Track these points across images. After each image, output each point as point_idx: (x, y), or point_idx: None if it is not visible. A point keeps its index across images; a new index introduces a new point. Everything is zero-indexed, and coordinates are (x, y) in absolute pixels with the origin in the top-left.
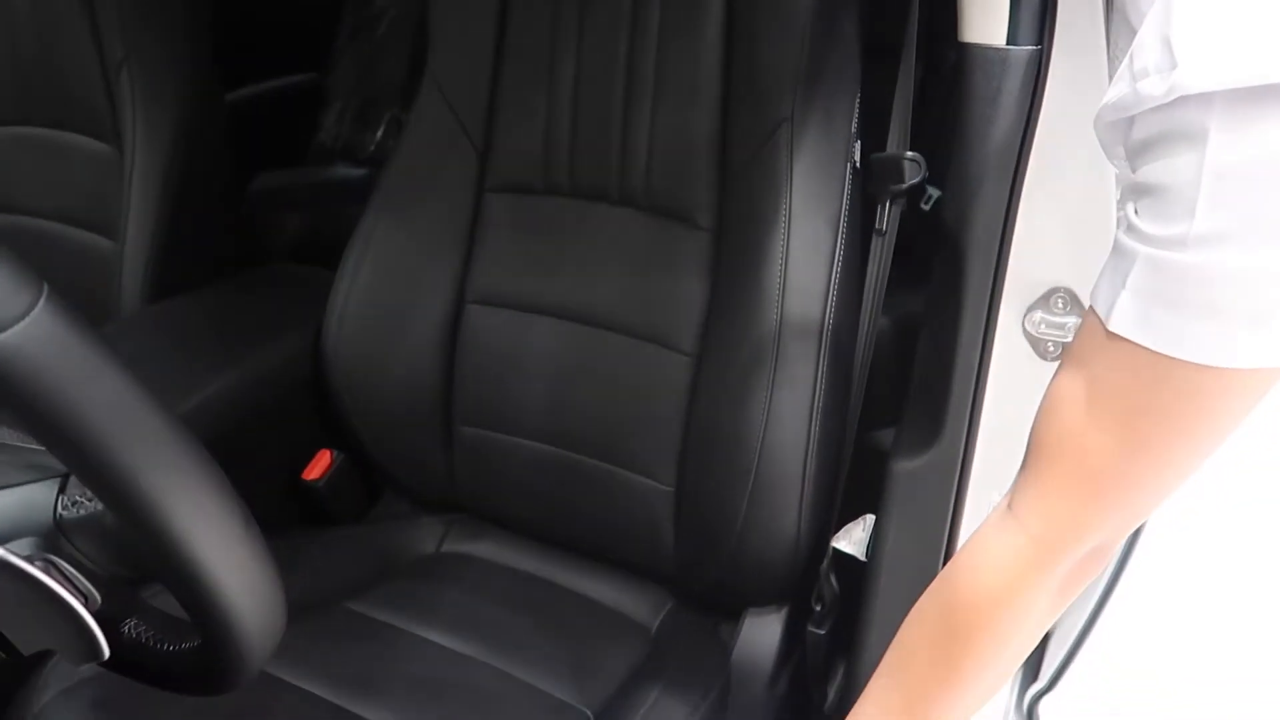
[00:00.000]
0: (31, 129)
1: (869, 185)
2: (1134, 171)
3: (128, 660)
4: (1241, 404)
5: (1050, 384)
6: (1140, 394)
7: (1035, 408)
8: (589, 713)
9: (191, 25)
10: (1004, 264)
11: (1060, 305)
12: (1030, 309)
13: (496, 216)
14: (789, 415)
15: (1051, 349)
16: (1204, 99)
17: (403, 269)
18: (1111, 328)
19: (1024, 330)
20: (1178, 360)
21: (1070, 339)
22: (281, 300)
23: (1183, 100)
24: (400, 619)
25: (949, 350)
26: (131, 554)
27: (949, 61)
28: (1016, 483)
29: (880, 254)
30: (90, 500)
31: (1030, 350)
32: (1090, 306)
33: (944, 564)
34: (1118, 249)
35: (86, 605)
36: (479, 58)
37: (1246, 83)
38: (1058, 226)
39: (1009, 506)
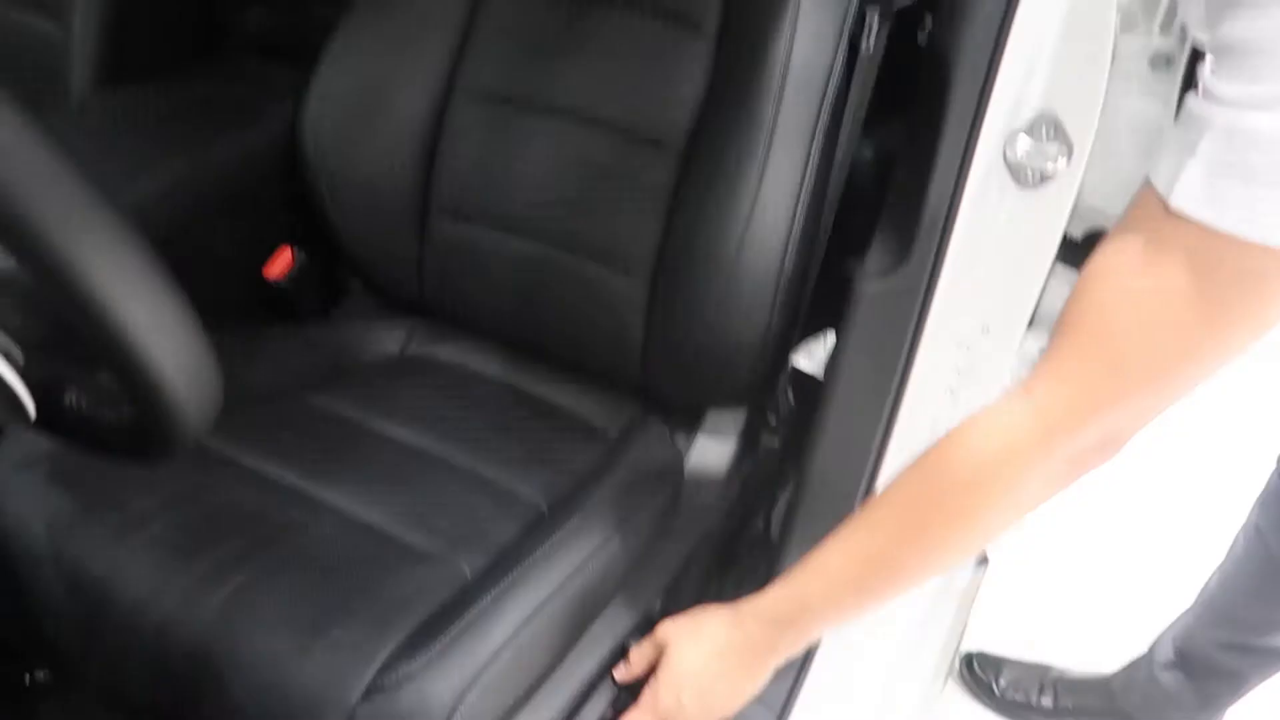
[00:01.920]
0: None
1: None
2: (1213, 30)
3: (69, 428)
4: None
5: (1090, 259)
6: (1194, 276)
7: (1008, 237)
8: (542, 504)
9: None
10: (990, 86)
11: (1046, 133)
12: (1014, 135)
13: (494, 7)
14: (772, 213)
15: (1031, 176)
16: None
17: (393, 52)
18: (1174, 205)
19: (1004, 157)
20: (1246, 242)
21: (1052, 165)
22: (246, 92)
23: None
24: (360, 413)
25: (926, 171)
26: (53, 315)
27: None
28: (1038, 362)
29: (863, 76)
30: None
31: (1009, 178)
32: (1146, 180)
33: (896, 388)
34: (1185, 118)
35: (9, 363)
36: None
37: None
38: (1052, 50)
39: (1025, 382)
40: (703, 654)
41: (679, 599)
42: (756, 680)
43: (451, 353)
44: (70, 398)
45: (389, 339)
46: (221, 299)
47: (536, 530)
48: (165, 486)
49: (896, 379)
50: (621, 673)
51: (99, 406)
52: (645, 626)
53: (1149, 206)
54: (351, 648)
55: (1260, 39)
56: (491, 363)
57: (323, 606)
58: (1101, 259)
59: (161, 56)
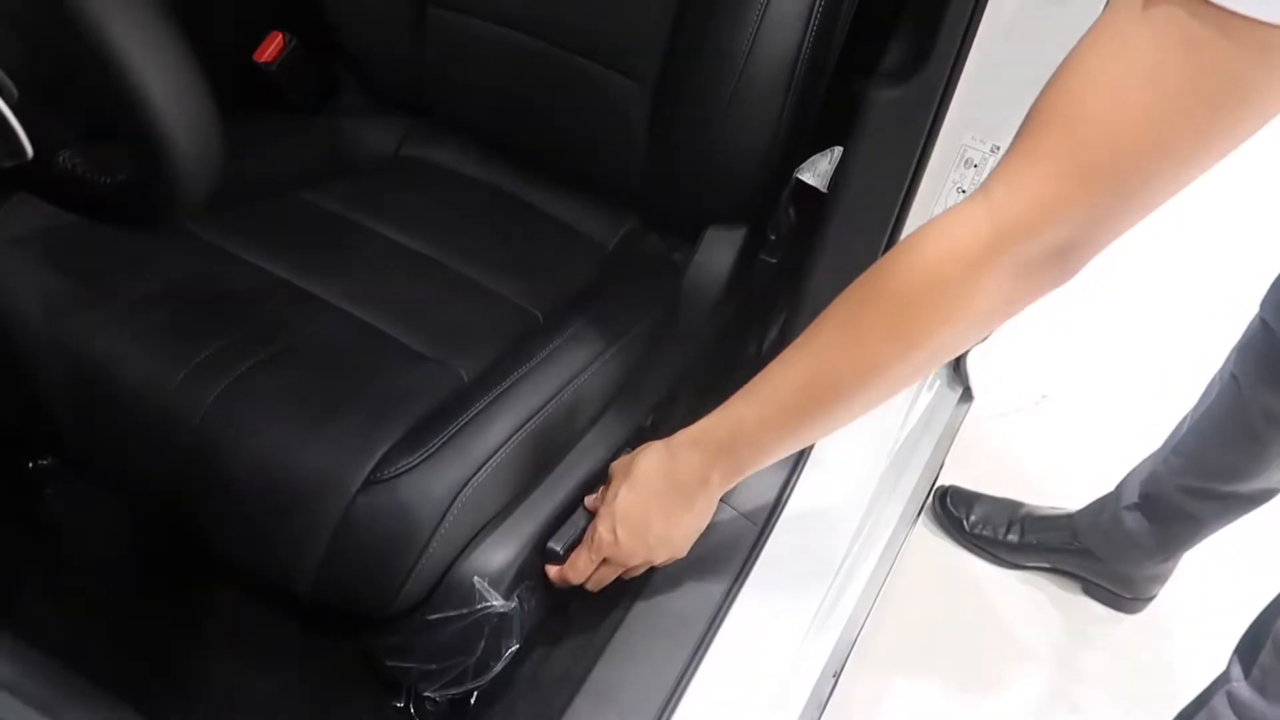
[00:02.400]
0: None
1: None
2: None
3: (64, 192)
4: None
5: (1074, 48)
6: (1177, 56)
7: (1029, 48)
8: (537, 314)
9: None
10: None
11: None
12: None
13: None
14: (785, 19)
15: None
16: None
17: None
18: None
19: None
20: (1239, 15)
21: None
22: None
23: None
24: (354, 213)
25: None
26: (57, 63)
27: None
28: (1002, 158)
29: None
30: None
31: None
32: None
33: (900, 205)
34: None
35: (4, 97)
36: None
37: None
38: None
39: (985, 181)
40: (636, 488)
41: (670, 418)
42: (696, 513)
43: (447, 156)
44: (64, 158)
45: (384, 138)
46: (210, 83)
47: (532, 339)
48: (161, 274)
49: (901, 195)
50: (590, 501)
51: (93, 169)
52: (636, 441)
53: None
54: (351, 439)
55: None
56: (488, 168)
57: (322, 398)
58: (1081, 45)
59: None
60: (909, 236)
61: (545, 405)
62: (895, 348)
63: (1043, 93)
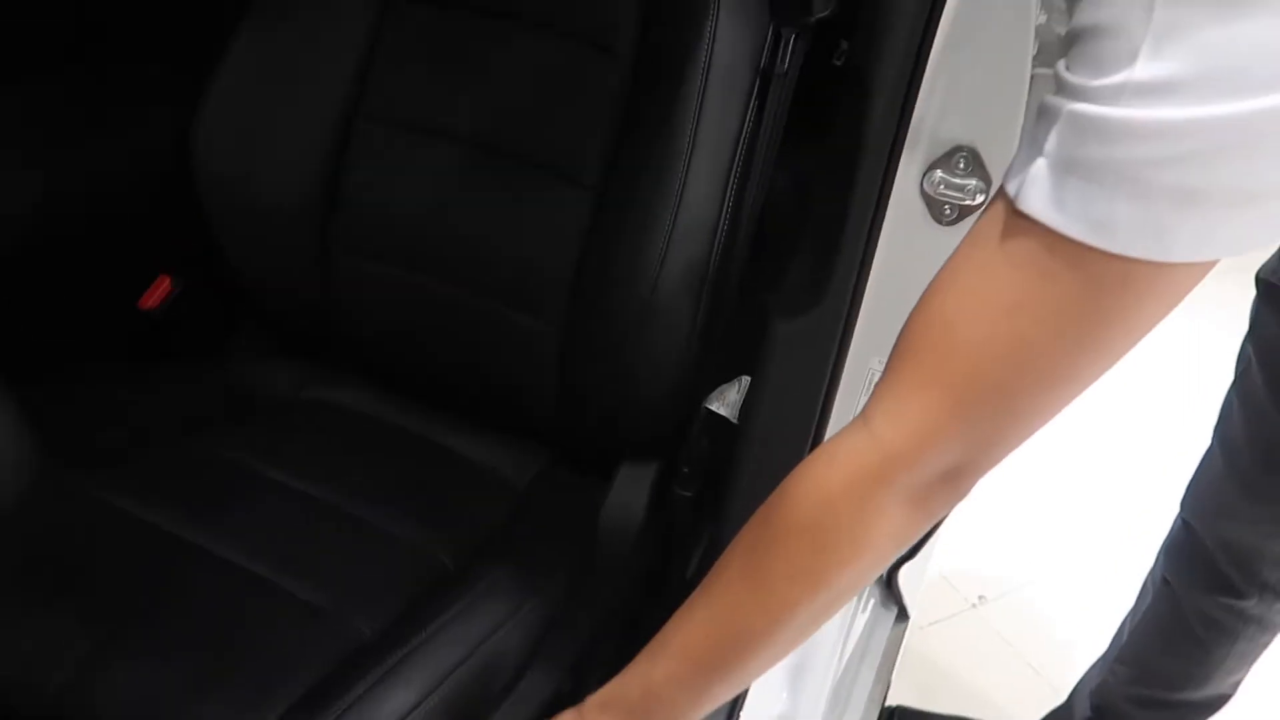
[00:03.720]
0: None
1: (774, 17)
2: (1069, 18)
3: None
4: (1157, 308)
5: (940, 272)
6: (1042, 284)
7: (925, 275)
8: (446, 560)
9: None
10: (908, 118)
11: (962, 166)
12: (930, 168)
13: (399, 25)
14: (689, 248)
15: (948, 212)
16: None
17: (291, 69)
18: (1021, 206)
19: (922, 191)
20: (1092, 248)
21: (969, 202)
22: (121, 96)
23: None
24: (249, 458)
25: (842, 206)
26: None
27: None
28: (876, 385)
29: (778, 97)
30: None
31: (925, 212)
32: (1000, 185)
33: (815, 430)
34: (1040, 113)
35: None
36: None
37: None
38: (970, 82)
39: (864, 408)
40: None
41: (590, 675)
42: None
43: (351, 396)
44: None
45: (283, 380)
46: (92, 329)
47: (442, 591)
48: (12, 527)
49: (815, 421)
50: None
51: None
52: (552, 710)
53: (999, 210)
54: (237, 710)
55: (1103, 25)
56: (394, 409)
57: (198, 667)
58: (946, 269)
59: (25, 58)
60: (800, 468)
61: (458, 667)
62: (799, 588)
63: (911, 317)
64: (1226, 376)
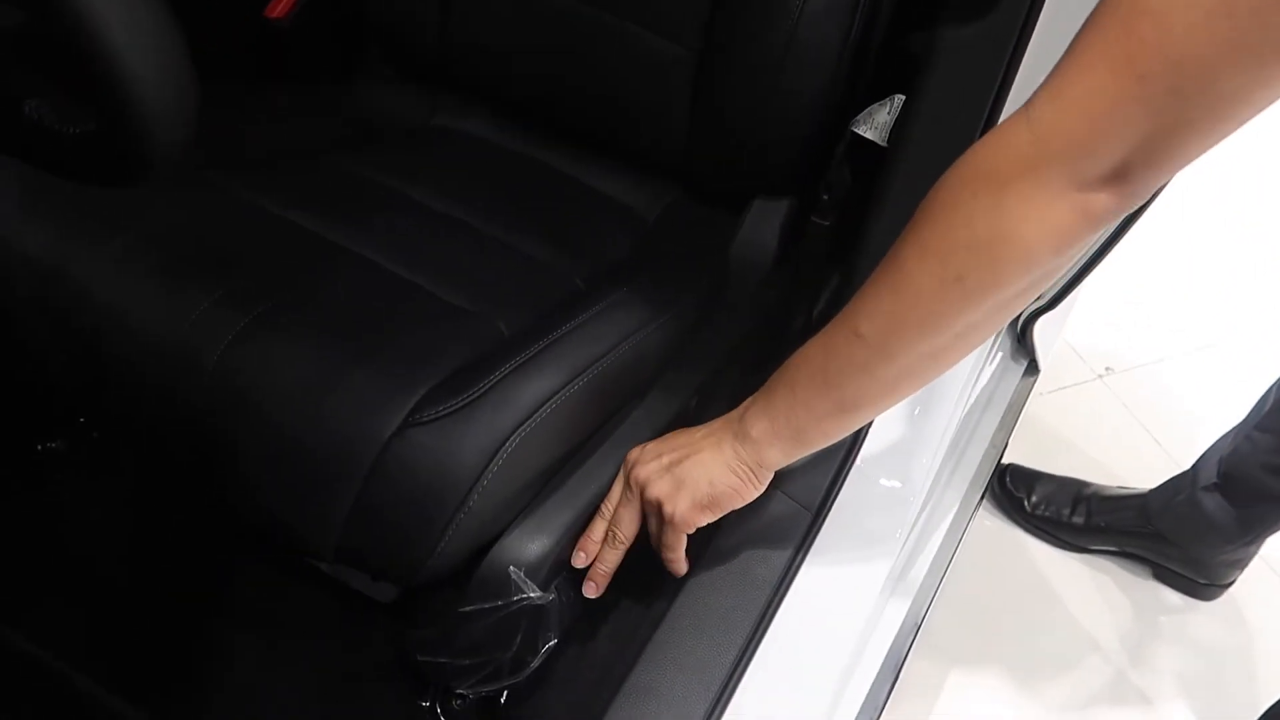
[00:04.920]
0: None
1: None
2: None
3: (31, 146)
4: None
5: None
6: None
7: None
8: (578, 281)
9: None
10: None
11: None
12: None
13: None
14: None
15: None
16: None
17: None
18: None
19: None
20: None
21: None
22: None
23: None
24: (383, 176)
25: None
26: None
27: None
28: (1049, 74)
29: None
30: None
31: None
32: None
33: None
34: None
35: None
36: None
37: None
38: None
39: (1029, 99)
40: (686, 434)
41: (712, 401)
42: (742, 480)
43: (480, 126)
44: (30, 108)
45: (411, 106)
46: (216, 40)
47: (574, 303)
48: (163, 216)
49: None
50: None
51: (61, 119)
52: (680, 423)
53: None
54: (385, 382)
55: None
56: (524, 139)
57: (352, 343)
58: None
59: None
60: (947, 172)
61: (600, 359)
62: (928, 290)
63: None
64: None
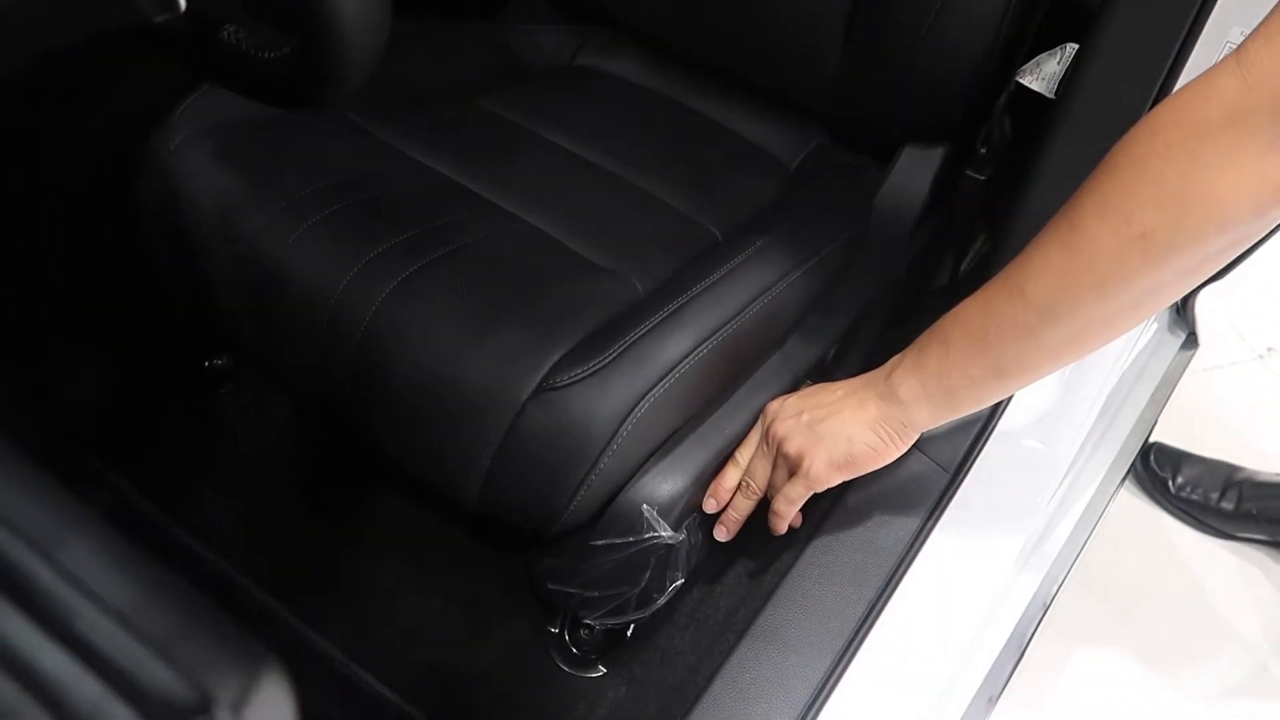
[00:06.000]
0: None
1: None
2: None
3: (229, 69)
4: None
5: None
6: None
7: None
8: (716, 232)
9: None
10: None
11: None
12: None
13: None
14: None
15: None
16: None
17: None
18: None
19: None
20: None
21: None
22: None
23: None
24: (528, 120)
25: None
26: None
27: None
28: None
29: None
30: None
31: None
32: None
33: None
34: None
35: None
36: None
37: None
38: None
39: (1238, 48)
40: (828, 388)
41: (850, 353)
42: (884, 440)
43: (625, 66)
44: (228, 33)
45: (559, 46)
46: None
47: (712, 256)
48: (330, 172)
49: (1151, 99)
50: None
51: (257, 44)
52: (817, 373)
53: None
54: (522, 344)
55: None
56: (667, 80)
57: (493, 302)
58: None
59: None
60: (1150, 113)
61: (733, 319)
62: (1128, 252)
63: None
64: None
